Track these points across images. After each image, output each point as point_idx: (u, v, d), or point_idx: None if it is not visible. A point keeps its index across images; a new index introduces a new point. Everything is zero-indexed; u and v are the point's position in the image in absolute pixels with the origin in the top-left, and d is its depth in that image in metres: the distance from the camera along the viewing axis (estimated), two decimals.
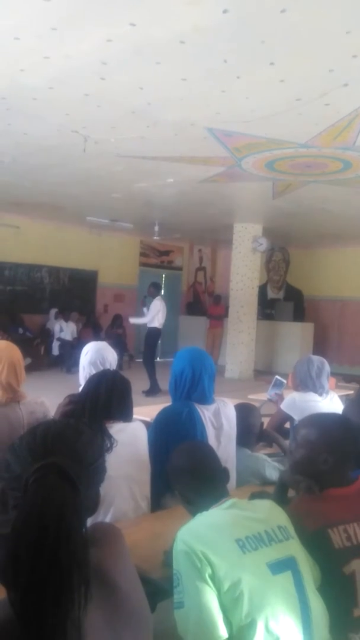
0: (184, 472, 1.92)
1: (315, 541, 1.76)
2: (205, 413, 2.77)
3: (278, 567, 1.59)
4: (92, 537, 1.21)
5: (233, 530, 1.62)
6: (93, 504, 1.27)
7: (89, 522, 1.22)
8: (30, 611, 0.98)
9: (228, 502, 1.74)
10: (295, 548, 1.67)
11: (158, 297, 10.02)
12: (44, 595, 0.98)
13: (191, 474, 1.89)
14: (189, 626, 1.53)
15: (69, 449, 1.20)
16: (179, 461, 1.98)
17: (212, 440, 2.72)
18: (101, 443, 1.33)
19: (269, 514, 1.73)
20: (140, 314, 10.35)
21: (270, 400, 4.44)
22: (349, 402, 3.36)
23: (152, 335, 9.89)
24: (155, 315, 9.75)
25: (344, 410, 2.90)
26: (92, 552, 1.14)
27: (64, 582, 1.00)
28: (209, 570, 1.53)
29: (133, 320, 10.55)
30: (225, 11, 3.61)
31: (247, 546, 1.58)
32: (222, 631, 1.50)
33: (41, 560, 0.99)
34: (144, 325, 10.10)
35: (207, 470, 1.91)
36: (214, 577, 1.52)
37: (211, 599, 1.51)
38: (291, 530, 1.72)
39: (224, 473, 1.94)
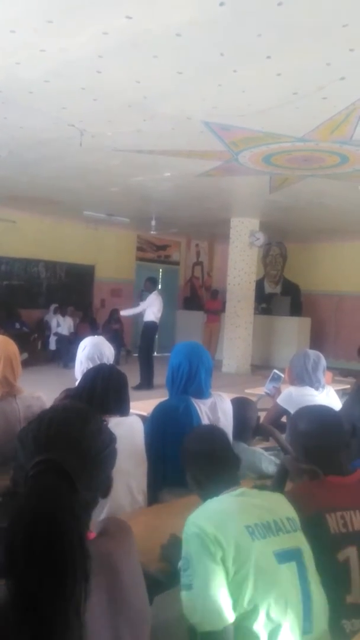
0: (199, 455, 1.94)
1: (312, 525, 1.78)
2: (202, 407, 2.79)
3: (284, 556, 1.61)
4: (106, 529, 1.24)
5: (243, 517, 1.64)
6: (105, 488, 1.27)
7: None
8: (25, 604, 0.98)
9: (238, 490, 1.77)
10: (301, 540, 1.69)
11: (155, 292, 10.05)
12: (40, 591, 0.98)
13: (206, 458, 1.91)
14: (196, 607, 1.54)
15: (72, 441, 1.20)
16: (195, 445, 2.00)
17: None
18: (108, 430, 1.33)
19: (278, 504, 1.76)
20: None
21: (267, 394, 4.45)
22: (350, 395, 3.36)
23: (149, 329, 9.91)
24: (148, 306, 9.77)
25: (344, 404, 2.91)
26: (104, 542, 1.17)
27: (58, 580, 0.99)
28: (220, 553, 1.54)
29: (124, 313, 10.55)
30: (221, 4, 3.59)
31: (256, 533, 1.60)
32: (229, 614, 1.51)
33: (34, 555, 0.99)
34: (141, 319, 10.13)
35: (220, 455, 1.93)
36: (224, 560, 1.54)
37: (221, 581, 1.52)
38: (298, 522, 1.73)
39: (236, 459, 1.97)
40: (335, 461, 2.00)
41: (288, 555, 1.62)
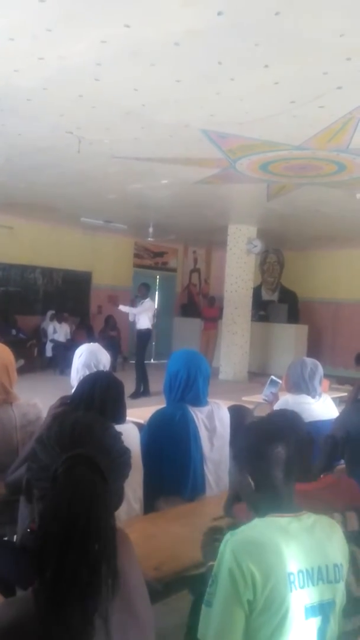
0: (267, 457, 1.62)
1: None
2: (199, 415, 2.78)
3: (313, 611, 1.50)
4: None
5: (290, 562, 1.47)
6: (118, 499, 1.26)
7: None
8: (59, 605, 0.98)
9: (293, 519, 1.56)
10: (339, 591, 1.57)
11: (149, 298, 10.04)
12: (73, 587, 0.99)
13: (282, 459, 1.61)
14: (208, 632, 1.46)
15: (97, 441, 1.20)
16: (263, 443, 1.65)
17: (205, 442, 2.72)
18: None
19: (331, 544, 1.58)
20: (132, 316, 10.24)
21: (265, 400, 4.43)
22: (347, 403, 3.35)
23: (144, 336, 9.89)
24: (144, 310, 9.76)
25: (341, 412, 2.90)
26: None
27: (93, 573, 1.00)
28: (249, 596, 1.43)
29: (123, 308, 10.37)
30: (219, 13, 3.61)
31: (296, 583, 1.47)
32: None
33: (70, 552, 0.99)
34: (134, 326, 10.12)
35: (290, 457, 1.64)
36: (251, 604, 1.43)
37: (239, 622, 1.43)
38: (345, 569, 1.59)
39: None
40: (304, 467, 1.97)
41: (317, 610, 1.51)
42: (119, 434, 1.30)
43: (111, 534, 1.05)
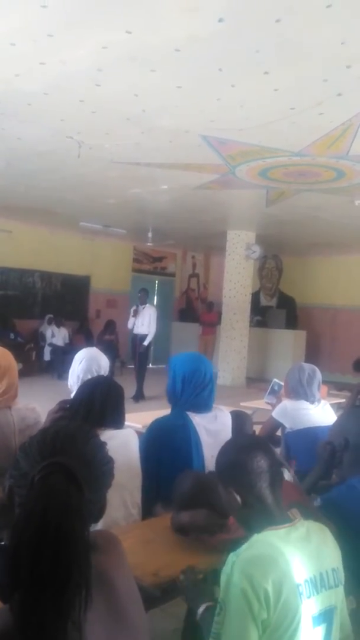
0: (249, 469, 1.60)
1: None
2: (200, 422, 2.72)
3: (319, 619, 1.48)
4: (95, 544, 1.21)
5: (298, 572, 1.44)
6: (99, 508, 1.26)
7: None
8: (30, 612, 0.98)
9: (291, 528, 1.54)
10: (340, 594, 1.56)
11: (150, 305, 10.06)
12: (44, 595, 0.98)
13: (267, 473, 1.60)
14: None
15: (78, 450, 1.21)
16: (243, 456, 1.64)
17: (208, 448, 2.68)
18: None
19: (326, 548, 1.58)
20: (131, 323, 10.15)
21: (268, 404, 4.43)
22: (345, 409, 3.34)
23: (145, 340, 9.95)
24: (154, 320, 9.80)
25: (338, 418, 2.89)
26: (96, 558, 1.15)
27: (63, 582, 1.00)
28: (263, 615, 1.39)
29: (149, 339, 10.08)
30: (220, 20, 3.63)
31: (304, 593, 1.44)
32: None
33: (42, 558, 0.99)
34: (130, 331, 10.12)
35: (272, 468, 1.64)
36: (265, 622, 1.39)
37: None
38: (341, 570, 1.59)
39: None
40: None
41: (322, 618, 1.48)
42: (103, 443, 1.30)
43: (84, 544, 1.05)
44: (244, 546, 1.49)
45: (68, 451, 1.18)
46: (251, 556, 1.44)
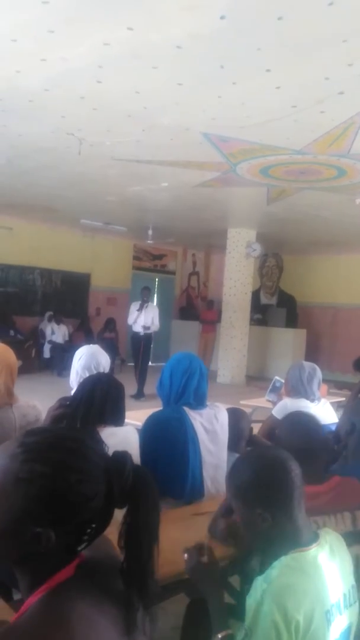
0: (284, 486, 1.48)
1: None
2: (197, 418, 2.75)
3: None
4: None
5: (327, 598, 1.40)
6: None
7: None
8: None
9: (318, 548, 1.47)
10: (355, 613, 1.51)
11: (152, 302, 10.05)
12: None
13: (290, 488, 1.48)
14: None
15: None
16: (279, 474, 1.50)
17: (205, 445, 2.70)
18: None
19: (347, 565, 1.53)
20: (132, 319, 10.16)
21: (270, 401, 4.43)
22: (351, 399, 3.33)
23: (151, 337, 9.94)
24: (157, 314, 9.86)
25: (345, 408, 2.91)
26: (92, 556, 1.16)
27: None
28: None
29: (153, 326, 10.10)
30: (222, 17, 3.62)
31: (331, 618, 1.40)
32: None
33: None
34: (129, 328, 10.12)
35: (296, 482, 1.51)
36: None
37: None
38: (356, 586, 1.54)
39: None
40: (315, 470, 1.98)
41: (342, 638, 1.45)
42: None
43: None
44: (274, 572, 1.41)
45: None
46: (284, 585, 1.38)
